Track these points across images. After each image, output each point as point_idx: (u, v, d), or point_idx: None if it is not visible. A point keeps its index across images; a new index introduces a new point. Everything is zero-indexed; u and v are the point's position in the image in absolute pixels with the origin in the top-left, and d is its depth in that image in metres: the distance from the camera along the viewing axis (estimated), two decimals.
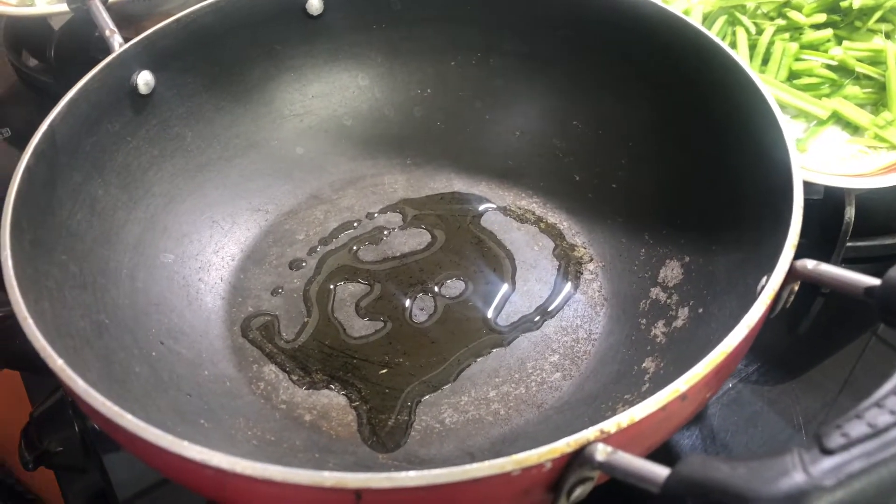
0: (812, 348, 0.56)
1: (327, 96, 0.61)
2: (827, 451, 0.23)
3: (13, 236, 0.39)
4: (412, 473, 0.28)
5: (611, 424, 0.29)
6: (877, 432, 0.23)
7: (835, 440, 0.23)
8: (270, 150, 0.58)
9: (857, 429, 0.24)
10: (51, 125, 0.44)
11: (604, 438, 0.29)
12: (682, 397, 0.31)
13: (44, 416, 0.53)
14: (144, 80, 0.51)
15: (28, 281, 0.38)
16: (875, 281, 0.32)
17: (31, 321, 0.34)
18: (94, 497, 0.53)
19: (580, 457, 0.29)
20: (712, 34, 0.48)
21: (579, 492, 0.30)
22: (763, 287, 0.35)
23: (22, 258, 0.39)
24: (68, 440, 0.52)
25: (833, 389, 0.53)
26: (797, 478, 0.23)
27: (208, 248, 0.54)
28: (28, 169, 0.42)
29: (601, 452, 0.28)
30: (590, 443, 0.29)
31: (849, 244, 0.55)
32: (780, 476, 0.23)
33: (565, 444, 0.28)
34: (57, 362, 0.33)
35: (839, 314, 0.57)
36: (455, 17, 0.59)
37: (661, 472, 0.27)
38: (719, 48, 0.47)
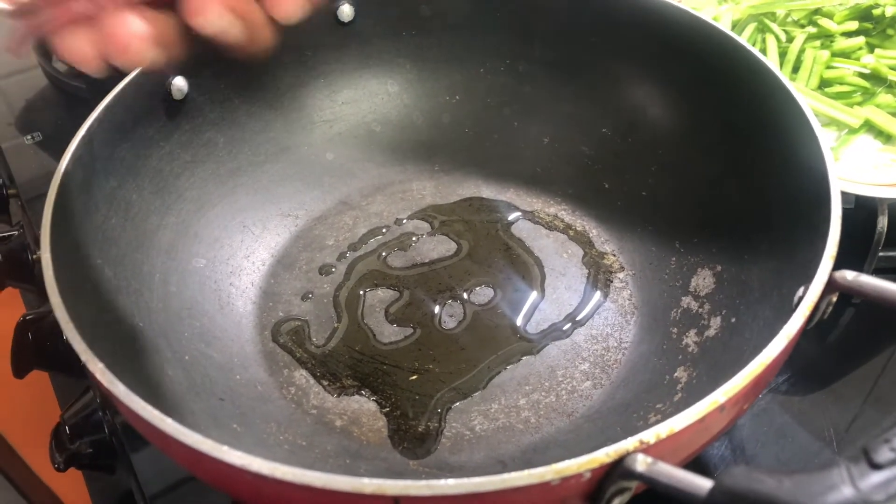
0: (842, 359, 0.55)
1: (357, 102, 0.61)
2: (876, 466, 0.23)
3: (53, 240, 0.39)
4: (451, 481, 0.28)
5: (650, 435, 0.29)
6: None
7: (883, 454, 0.23)
8: (300, 156, 0.59)
9: None
10: (88, 131, 0.45)
11: (643, 449, 0.29)
12: (721, 408, 0.31)
13: (74, 418, 0.54)
14: (178, 85, 0.52)
15: (67, 285, 0.38)
16: None
17: (72, 325, 0.34)
18: (120, 498, 0.54)
19: (619, 467, 0.29)
20: (744, 41, 0.48)
21: (617, 502, 0.30)
22: (801, 298, 0.35)
23: (60, 262, 0.39)
24: (98, 441, 0.53)
25: (859, 400, 0.52)
26: (846, 492, 0.23)
27: (239, 252, 0.54)
28: (66, 174, 0.43)
29: (641, 463, 0.28)
30: (629, 453, 0.29)
31: (881, 254, 0.55)
32: (829, 490, 0.23)
33: (605, 455, 0.28)
34: (98, 366, 0.33)
35: (870, 324, 0.56)
36: (484, 25, 0.59)
37: (703, 483, 0.26)
38: (751, 55, 0.47)
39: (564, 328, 0.50)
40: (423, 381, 0.48)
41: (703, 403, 0.30)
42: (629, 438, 0.29)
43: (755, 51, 0.47)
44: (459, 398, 0.47)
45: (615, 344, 0.49)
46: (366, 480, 0.28)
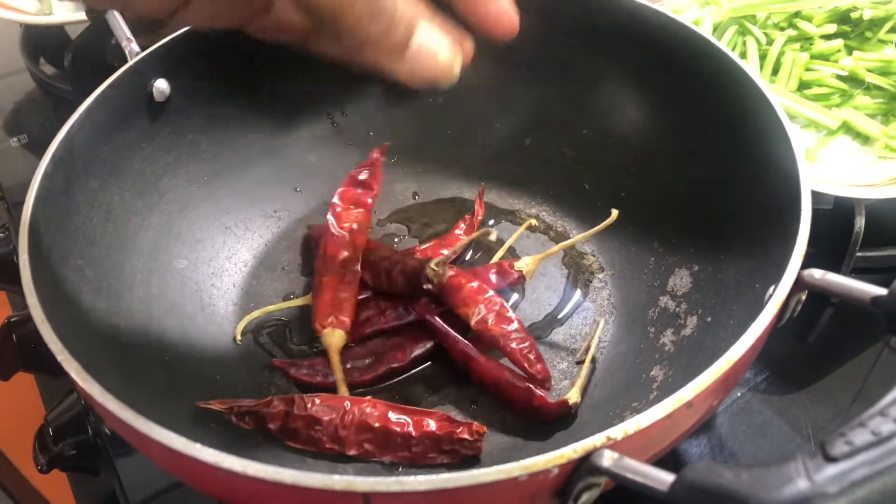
0: (821, 358, 0.56)
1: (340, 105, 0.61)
2: (831, 459, 0.24)
3: (31, 241, 0.39)
4: (420, 478, 0.28)
5: (617, 431, 0.29)
6: (880, 440, 0.24)
7: (838, 448, 0.24)
8: (284, 158, 0.59)
9: (860, 437, 0.24)
10: (68, 133, 0.45)
11: (610, 445, 0.29)
12: (689, 405, 0.31)
13: (58, 419, 0.54)
14: (159, 88, 0.52)
15: (45, 285, 0.39)
16: (882, 291, 0.33)
17: (48, 325, 0.35)
18: (105, 500, 0.54)
19: (587, 463, 0.29)
20: (722, 44, 0.49)
21: (585, 497, 0.30)
22: (770, 296, 0.35)
23: (39, 262, 0.39)
24: (82, 443, 0.53)
25: (843, 399, 0.53)
26: (801, 485, 0.23)
27: (221, 254, 0.54)
28: (46, 175, 0.43)
29: (608, 459, 0.29)
30: (596, 449, 0.29)
31: (858, 254, 0.55)
32: (784, 483, 0.24)
33: (572, 451, 0.29)
34: (73, 366, 0.33)
35: (848, 324, 0.57)
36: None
37: (666, 478, 0.27)
38: (728, 58, 0.48)
39: (544, 328, 0.50)
40: (403, 381, 0.48)
41: (671, 400, 0.31)
42: (597, 435, 0.29)
43: (732, 54, 0.48)
44: (440, 398, 0.47)
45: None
46: (336, 477, 0.29)
